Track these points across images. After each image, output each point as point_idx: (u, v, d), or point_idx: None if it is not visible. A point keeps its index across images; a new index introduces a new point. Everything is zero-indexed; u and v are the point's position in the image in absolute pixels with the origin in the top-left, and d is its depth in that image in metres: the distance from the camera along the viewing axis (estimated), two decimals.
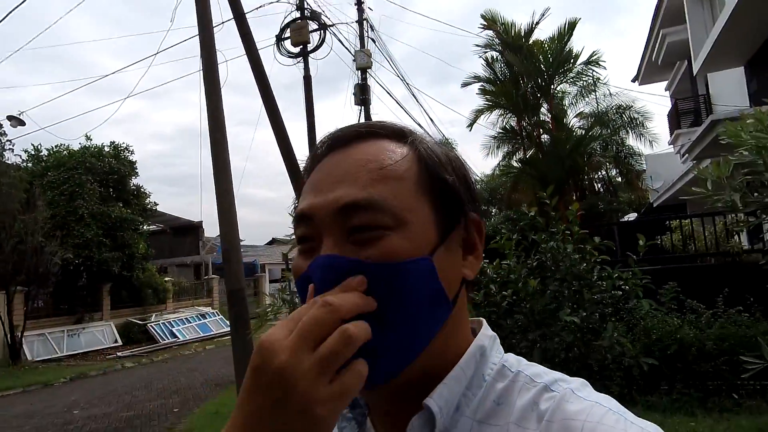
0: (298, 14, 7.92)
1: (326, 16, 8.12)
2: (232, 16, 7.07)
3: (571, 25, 9.96)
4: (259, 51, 7.33)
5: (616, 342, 3.92)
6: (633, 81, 20.73)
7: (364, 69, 9.56)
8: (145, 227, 18.86)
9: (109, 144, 18.11)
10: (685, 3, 13.10)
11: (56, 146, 17.77)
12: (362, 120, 10.48)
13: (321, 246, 0.50)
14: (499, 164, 12.42)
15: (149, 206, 19.10)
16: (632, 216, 18.65)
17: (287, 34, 8.10)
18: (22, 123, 11.67)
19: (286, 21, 7.97)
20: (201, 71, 6.50)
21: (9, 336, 13.42)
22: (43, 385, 11.24)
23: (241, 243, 29.75)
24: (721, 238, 6.87)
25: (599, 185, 11.18)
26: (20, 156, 16.89)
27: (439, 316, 0.50)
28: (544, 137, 10.18)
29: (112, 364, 13.38)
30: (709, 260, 6.85)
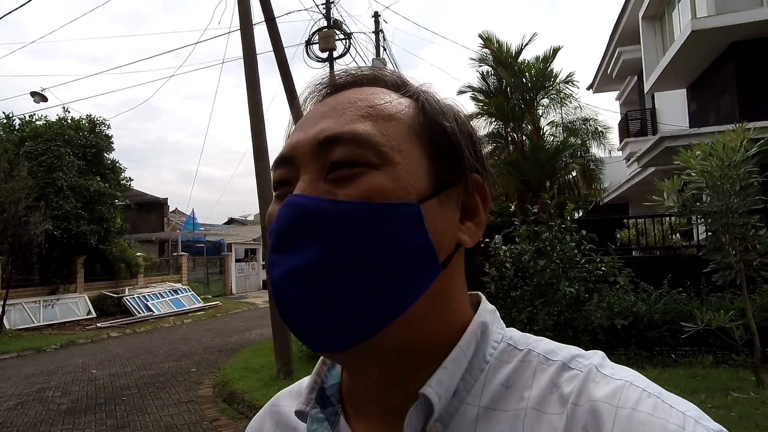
0: (324, 23, 8.83)
1: (346, 26, 8.95)
2: (263, 19, 7.88)
3: (555, 50, 11.56)
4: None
5: (597, 308, 5.26)
6: (588, 89, 22.78)
7: None
8: (119, 202, 18.92)
9: (85, 117, 18.05)
10: (640, 28, 14.84)
11: (30, 116, 17.55)
12: None
13: None
14: None
15: (124, 181, 19.21)
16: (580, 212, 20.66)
17: (315, 39, 8.98)
18: (44, 99, 11.82)
19: (315, 28, 8.87)
20: (243, 67, 7.31)
21: None
22: (36, 351, 11.61)
23: (197, 221, 29.59)
24: (666, 235, 8.49)
25: (564, 185, 12.86)
26: None
27: (423, 276, 0.43)
28: (526, 142, 11.72)
29: (96, 334, 13.77)
30: (656, 252, 8.45)
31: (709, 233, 5.49)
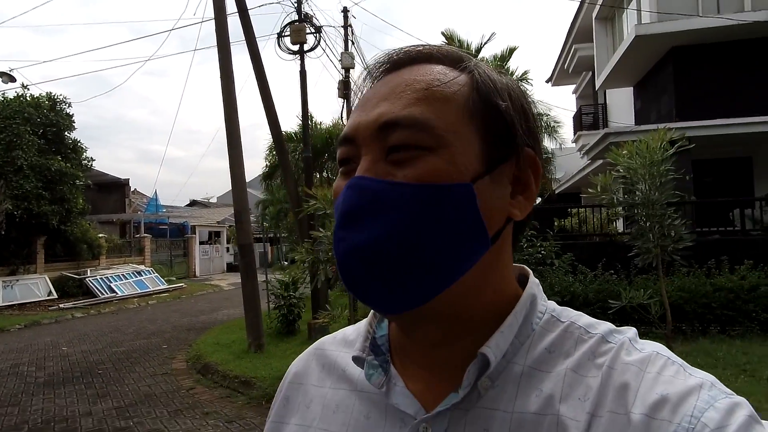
0: (296, 16, 9.14)
1: (316, 19, 9.28)
2: (236, 10, 8.19)
3: (511, 51, 12.26)
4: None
5: None
6: (547, 81, 23.74)
7: (347, 68, 11.07)
8: (80, 182, 18.66)
9: (45, 95, 17.67)
10: (594, 27, 15.70)
11: None
12: (343, 113, 11.99)
13: None
14: None
15: (85, 161, 18.95)
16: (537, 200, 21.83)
17: (287, 32, 9.28)
18: (12, 79, 11.62)
19: (287, 21, 9.17)
20: (218, 56, 7.62)
21: None
22: (0, 330, 11.65)
23: (159, 203, 29.21)
24: (604, 223, 9.39)
25: None
26: None
27: (474, 249, 0.48)
28: None
29: (60, 314, 13.82)
30: (594, 238, 9.33)
31: (633, 222, 6.28)
